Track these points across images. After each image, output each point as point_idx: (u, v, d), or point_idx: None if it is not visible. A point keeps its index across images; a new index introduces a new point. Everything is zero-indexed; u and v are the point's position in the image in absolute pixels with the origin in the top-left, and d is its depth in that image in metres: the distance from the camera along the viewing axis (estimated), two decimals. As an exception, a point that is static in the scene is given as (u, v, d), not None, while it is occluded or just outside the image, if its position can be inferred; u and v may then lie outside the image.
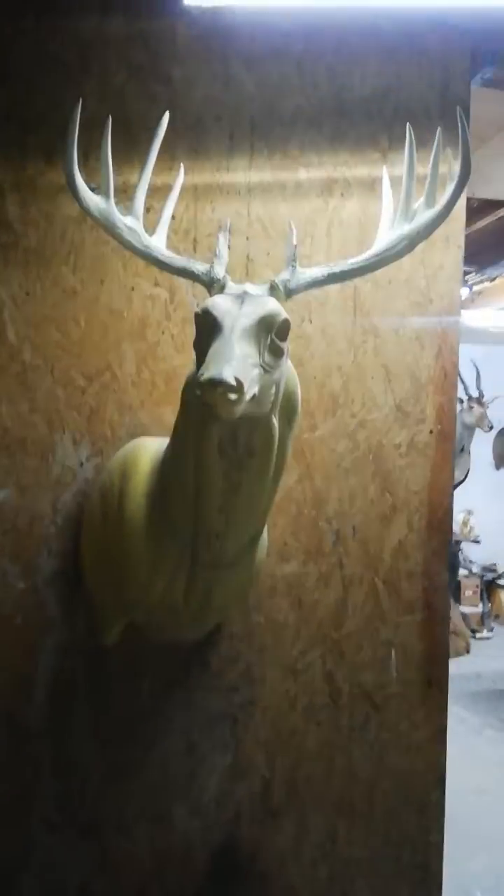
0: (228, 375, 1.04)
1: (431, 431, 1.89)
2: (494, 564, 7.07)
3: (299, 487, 1.81)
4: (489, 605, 6.86)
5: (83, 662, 1.70)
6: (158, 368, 1.74)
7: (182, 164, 1.54)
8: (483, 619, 6.56)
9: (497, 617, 6.94)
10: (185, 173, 1.58)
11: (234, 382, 1.04)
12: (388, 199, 1.40)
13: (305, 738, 1.83)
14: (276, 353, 1.19)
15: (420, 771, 1.89)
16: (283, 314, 1.20)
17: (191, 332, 1.74)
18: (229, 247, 1.76)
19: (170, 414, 1.72)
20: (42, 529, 1.68)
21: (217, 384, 1.03)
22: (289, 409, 1.32)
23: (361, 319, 1.85)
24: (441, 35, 1.86)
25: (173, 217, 1.60)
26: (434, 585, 1.89)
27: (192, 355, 1.74)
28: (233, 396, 1.05)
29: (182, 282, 1.74)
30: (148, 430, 1.72)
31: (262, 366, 1.14)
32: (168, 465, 1.43)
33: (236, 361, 1.07)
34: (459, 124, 1.20)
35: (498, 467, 7.59)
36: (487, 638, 6.46)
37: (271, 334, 1.18)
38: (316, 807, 1.84)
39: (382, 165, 1.84)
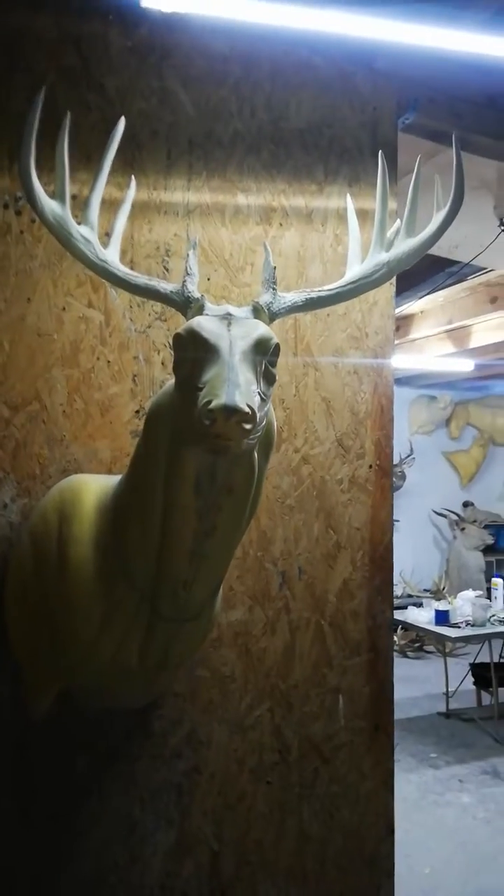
0: (242, 402, 0.92)
1: (371, 466, 1.86)
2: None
3: (245, 527, 1.69)
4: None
5: (7, 738, 1.44)
6: (93, 398, 1.56)
7: (133, 177, 1.41)
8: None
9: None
10: (121, 189, 1.45)
11: (248, 410, 0.92)
12: (354, 228, 1.35)
13: (255, 800, 1.68)
14: (270, 379, 1.09)
15: (370, 822, 1.81)
16: (275, 338, 1.10)
17: (128, 358, 1.61)
18: (168, 269, 1.66)
19: (106, 448, 1.56)
20: (-44, 586, 1.43)
21: (232, 412, 0.91)
22: (266, 442, 1.21)
23: (302, 352, 1.80)
24: (370, 77, 1.90)
25: (107, 235, 1.46)
26: (378, 624, 1.84)
27: (130, 384, 1.61)
28: (247, 426, 0.93)
29: (118, 303, 1.59)
30: (82, 467, 1.54)
31: (259, 393, 1.04)
32: (125, 507, 1.26)
33: (244, 387, 0.96)
34: (455, 156, 1.19)
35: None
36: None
37: (265, 360, 1.07)
38: (267, 875, 1.69)
39: (318, 198, 1.83)
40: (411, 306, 5.10)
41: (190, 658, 1.50)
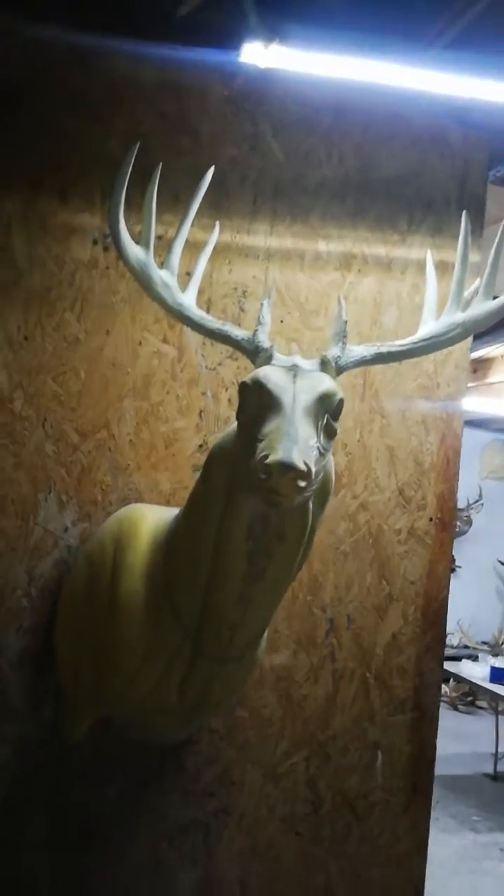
0: (299, 460, 0.93)
1: (431, 519, 1.82)
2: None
3: (297, 570, 1.68)
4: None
5: (45, 760, 1.48)
6: (159, 430, 1.60)
7: (217, 222, 1.45)
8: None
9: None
10: (205, 230, 1.49)
11: (304, 468, 0.93)
12: (432, 284, 1.35)
13: (282, 850, 1.65)
14: (331, 434, 1.09)
15: (399, 887, 1.74)
16: (340, 393, 1.10)
17: (196, 394, 1.65)
18: (243, 310, 1.70)
19: (167, 480, 1.59)
20: (13, 602, 1.48)
21: (288, 469, 0.91)
22: (323, 493, 1.21)
23: (370, 398, 1.79)
24: (462, 130, 1.90)
25: (188, 274, 1.50)
26: (426, 683, 1.78)
27: (196, 419, 1.64)
28: (302, 483, 0.93)
29: (191, 340, 1.63)
30: (142, 496, 1.57)
31: (318, 447, 1.04)
32: (179, 543, 1.28)
33: (302, 443, 0.96)
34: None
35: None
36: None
37: (328, 414, 1.08)
38: (288, 931, 1.65)
39: (400, 247, 1.83)
40: (491, 351, 4.99)
41: (230, 699, 1.50)
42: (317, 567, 1.72)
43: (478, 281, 1.28)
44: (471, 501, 7.65)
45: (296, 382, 1.08)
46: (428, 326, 1.27)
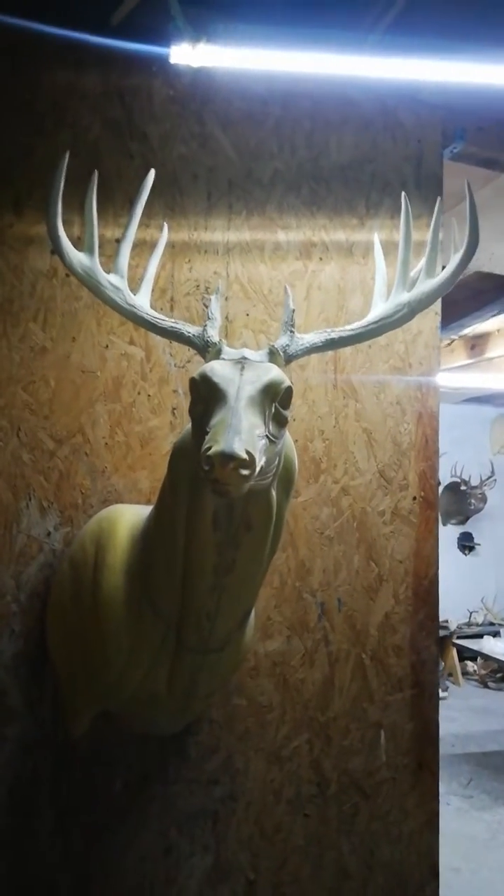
0: (240, 449, 0.95)
1: (415, 498, 1.84)
2: (446, 621, 7.04)
3: (283, 557, 1.71)
4: (442, 663, 6.80)
5: (48, 757, 1.52)
6: (133, 431, 1.63)
7: (165, 223, 1.48)
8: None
9: (450, 675, 6.88)
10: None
11: (246, 457, 0.95)
12: (380, 266, 1.36)
13: (292, 832, 1.68)
14: (281, 422, 1.11)
15: (412, 863, 1.76)
16: (287, 381, 1.12)
17: (167, 392, 1.68)
18: (207, 307, 1.72)
19: (145, 479, 1.62)
20: (3, 607, 1.52)
21: (229, 459, 0.94)
22: (286, 479, 1.23)
23: (342, 383, 1.81)
24: (413, 110, 1.90)
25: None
26: (422, 660, 1.80)
27: (170, 417, 1.67)
28: (245, 472, 0.95)
29: (158, 340, 1.66)
30: (122, 497, 1.60)
31: (267, 436, 1.06)
32: (152, 539, 1.31)
33: (245, 433, 0.99)
34: (468, 196, 1.18)
35: (444, 523, 7.68)
36: (442, 698, 6.36)
37: (276, 403, 1.10)
38: (303, 911, 1.68)
39: (360, 231, 1.84)
40: (485, 324, 4.96)
41: (219, 688, 1.53)
42: (303, 553, 1.74)
43: (423, 260, 1.29)
44: (484, 478, 7.60)
45: (242, 374, 1.10)
46: (377, 309, 1.29)
